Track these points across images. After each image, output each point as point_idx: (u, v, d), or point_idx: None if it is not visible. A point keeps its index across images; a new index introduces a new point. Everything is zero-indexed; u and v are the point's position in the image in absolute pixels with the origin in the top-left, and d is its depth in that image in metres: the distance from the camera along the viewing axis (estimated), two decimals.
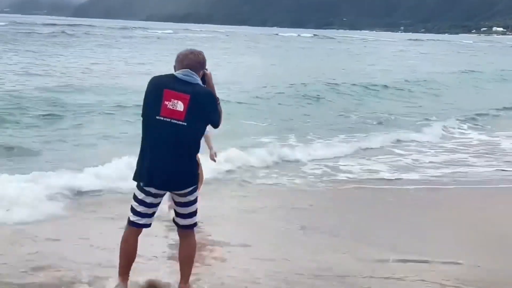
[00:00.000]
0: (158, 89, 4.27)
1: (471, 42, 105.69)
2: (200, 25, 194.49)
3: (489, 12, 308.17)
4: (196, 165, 4.42)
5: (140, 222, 4.42)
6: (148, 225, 4.49)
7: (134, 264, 4.53)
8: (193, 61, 4.35)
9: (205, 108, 4.30)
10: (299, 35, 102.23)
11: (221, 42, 60.32)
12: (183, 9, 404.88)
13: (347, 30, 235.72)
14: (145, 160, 4.29)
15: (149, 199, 4.37)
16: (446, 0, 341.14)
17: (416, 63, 40.72)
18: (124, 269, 4.50)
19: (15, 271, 5.03)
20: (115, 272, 4.56)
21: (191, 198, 4.44)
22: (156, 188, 4.31)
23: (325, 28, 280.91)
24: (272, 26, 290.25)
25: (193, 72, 4.33)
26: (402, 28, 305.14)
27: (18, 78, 19.54)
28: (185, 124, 4.21)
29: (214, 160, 6.78)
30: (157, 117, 4.22)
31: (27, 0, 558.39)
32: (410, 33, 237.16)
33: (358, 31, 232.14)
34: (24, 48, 34.11)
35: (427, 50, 64.96)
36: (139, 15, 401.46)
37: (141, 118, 4.39)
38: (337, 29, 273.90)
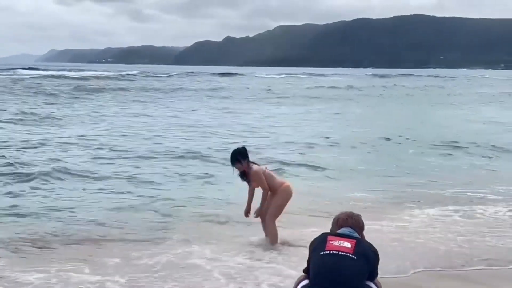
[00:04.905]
0: (322, 239, 4.36)
1: None
2: (317, 68, 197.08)
3: None
4: None
5: None
6: None
7: None
8: (352, 225, 4.52)
9: (371, 259, 4.29)
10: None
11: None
12: (279, 53, 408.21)
13: (447, 69, 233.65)
14: None
15: None
16: None
17: None
18: None
19: None
20: None
21: None
22: None
23: (423, 67, 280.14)
24: (367, 67, 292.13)
25: (354, 230, 4.50)
26: (502, 65, 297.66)
27: None
28: (355, 257, 4.17)
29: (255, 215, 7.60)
30: (322, 253, 4.25)
31: (128, 50, 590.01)
32: None
33: (462, 69, 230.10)
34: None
35: None
36: (236, 60, 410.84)
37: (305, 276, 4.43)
38: (434, 68, 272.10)
